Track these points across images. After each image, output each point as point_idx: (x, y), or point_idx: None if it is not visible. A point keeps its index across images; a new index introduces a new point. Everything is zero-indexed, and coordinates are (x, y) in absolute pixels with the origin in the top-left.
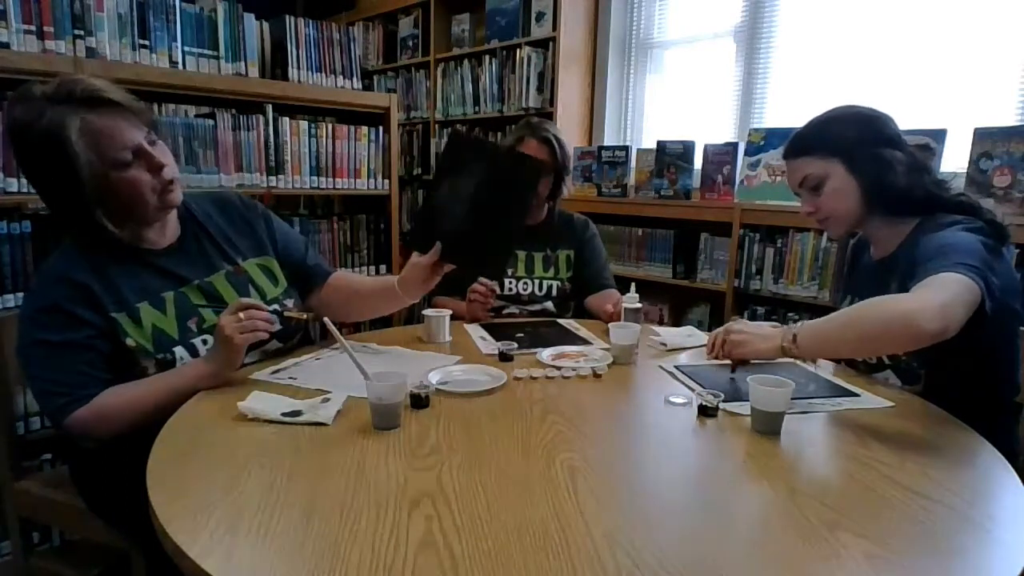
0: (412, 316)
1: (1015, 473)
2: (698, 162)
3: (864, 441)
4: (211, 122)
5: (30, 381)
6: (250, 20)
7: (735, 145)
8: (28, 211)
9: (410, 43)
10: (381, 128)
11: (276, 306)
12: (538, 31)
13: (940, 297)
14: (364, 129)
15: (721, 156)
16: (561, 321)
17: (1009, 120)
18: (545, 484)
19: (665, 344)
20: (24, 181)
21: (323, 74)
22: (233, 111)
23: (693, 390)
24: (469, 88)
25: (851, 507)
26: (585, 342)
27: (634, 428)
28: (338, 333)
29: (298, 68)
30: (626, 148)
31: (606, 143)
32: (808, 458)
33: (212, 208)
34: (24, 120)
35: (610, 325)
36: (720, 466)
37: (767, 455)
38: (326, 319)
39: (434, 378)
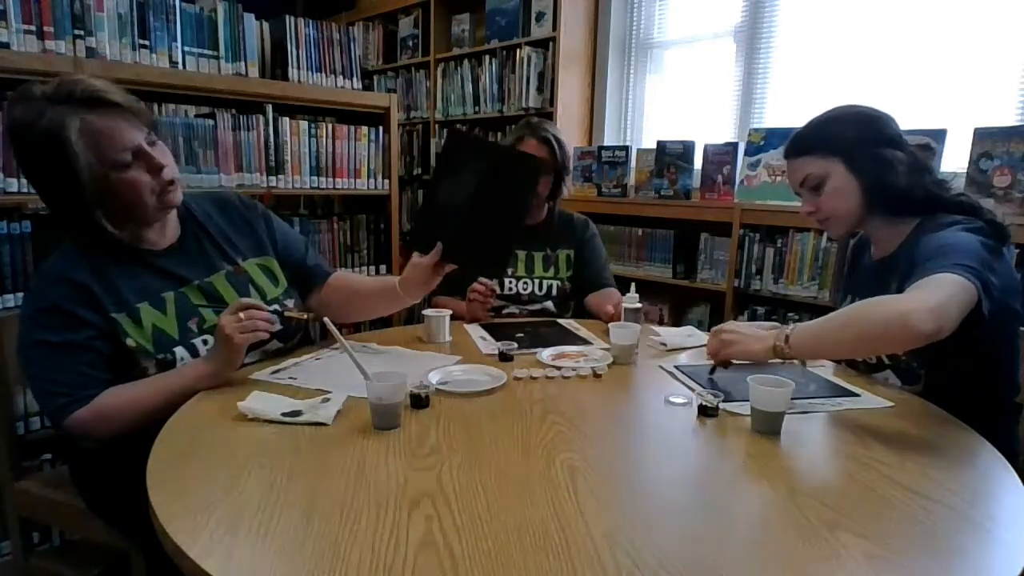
0: (412, 316)
1: (1015, 473)
2: (698, 162)
3: (864, 441)
4: (211, 122)
5: (30, 381)
6: (250, 20)
7: (735, 145)
8: (28, 211)
9: (410, 43)
10: (381, 128)
11: (276, 306)
12: (538, 31)
13: (935, 297)
14: (364, 129)
15: (721, 156)
16: (561, 321)
17: (1009, 120)
18: (545, 484)
19: (665, 344)
20: (24, 181)
21: (323, 74)
22: (233, 111)
23: (693, 390)
24: (469, 88)
25: (851, 507)
26: (585, 342)
27: (634, 428)
28: (338, 333)
29: (298, 68)
30: (626, 148)
31: (606, 143)
32: (808, 458)
33: (212, 208)
34: (24, 120)
35: (610, 325)
36: (720, 466)
37: (767, 455)
38: (326, 319)
39: (434, 378)
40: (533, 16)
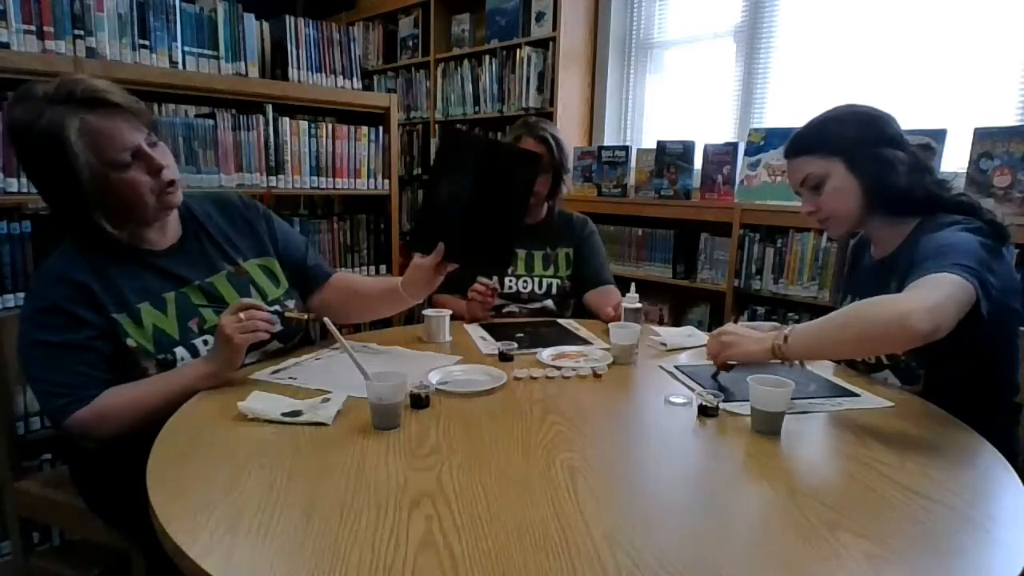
0: (412, 316)
1: (1015, 473)
2: (698, 162)
3: (864, 441)
4: (211, 122)
5: (30, 381)
6: (250, 20)
7: (735, 145)
8: (28, 211)
9: (410, 43)
10: (381, 128)
11: (277, 307)
12: (538, 31)
13: (932, 297)
14: (364, 129)
15: (721, 156)
16: (561, 321)
17: (1009, 120)
18: (545, 484)
19: (665, 344)
20: (24, 181)
21: (323, 74)
22: (233, 111)
23: (693, 390)
24: (469, 88)
25: (851, 507)
26: (585, 342)
27: (634, 428)
28: (338, 333)
29: (298, 68)
30: (626, 148)
31: (606, 143)
32: (808, 458)
33: (213, 208)
34: (24, 120)
35: (610, 325)
36: (720, 466)
37: (767, 455)
38: (326, 319)
39: (434, 378)
40: (533, 16)
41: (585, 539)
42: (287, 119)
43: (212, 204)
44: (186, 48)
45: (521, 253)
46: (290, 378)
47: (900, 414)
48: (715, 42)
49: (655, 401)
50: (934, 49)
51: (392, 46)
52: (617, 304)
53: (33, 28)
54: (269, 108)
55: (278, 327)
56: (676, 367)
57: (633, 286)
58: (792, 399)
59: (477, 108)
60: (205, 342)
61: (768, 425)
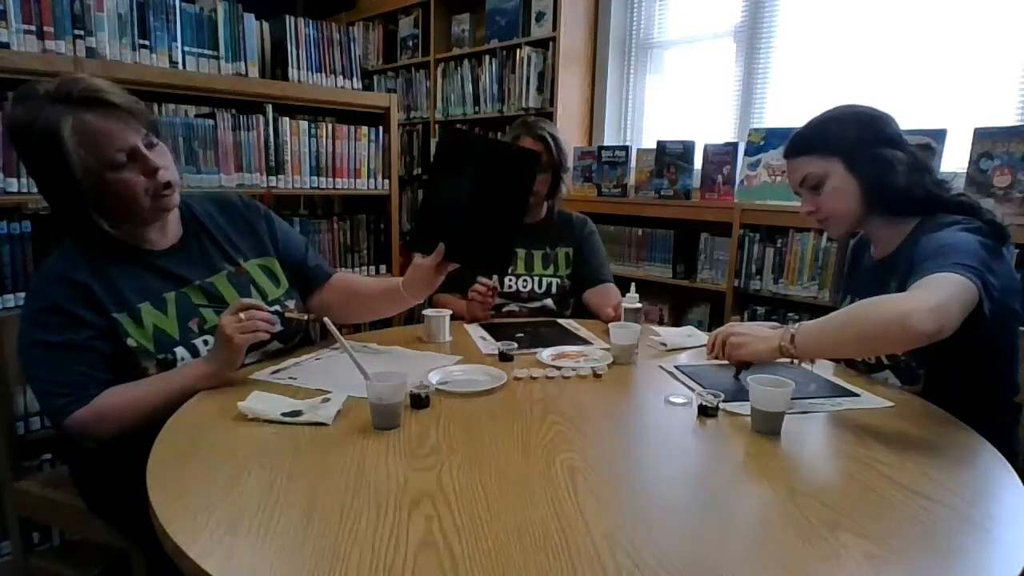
0: (412, 316)
1: (1015, 473)
2: (698, 162)
3: (864, 441)
4: (211, 122)
5: (30, 381)
6: (250, 20)
7: (735, 145)
8: (28, 211)
9: (410, 43)
10: (381, 128)
11: (277, 307)
12: (538, 31)
13: (936, 297)
14: (364, 129)
15: (721, 156)
16: (561, 321)
17: (1009, 120)
18: (545, 484)
19: (665, 344)
20: (24, 181)
21: (323, 74)
22: (233, 111)
23: (693, 390)
24: (469, 88)
25: (851, 507)
26: (585, 342)
27: (634, 428)
28: (338, 333)
29: (298, 68)
30: (626, 148)
31: (606, 143)
32: (808, 458)
33: (213, 208)
34: (23, 119)
35: (610, 325)
36: (720, 466)
37: (767, 455)
38: (326, 319)
39: (434, 378)
40: (533, 16)
41: (585, 539)
42: (287, 119)
43: (213, 204)
44: (186, 48)
45: (521, 252)
46: (290, 378)
47: (900, 414)
48: (715, 42)
49: (655, 401)
50: (934, 49)
51: (392, 46)
52: (617, 304)
53: (33, 28)
54: (269, 108)
55: (278, 327)
56: (676, 367)
57: (633, 286)
58: (792, 399)
59: (477, 108)
60: (205, 342)
61: (768, 425)
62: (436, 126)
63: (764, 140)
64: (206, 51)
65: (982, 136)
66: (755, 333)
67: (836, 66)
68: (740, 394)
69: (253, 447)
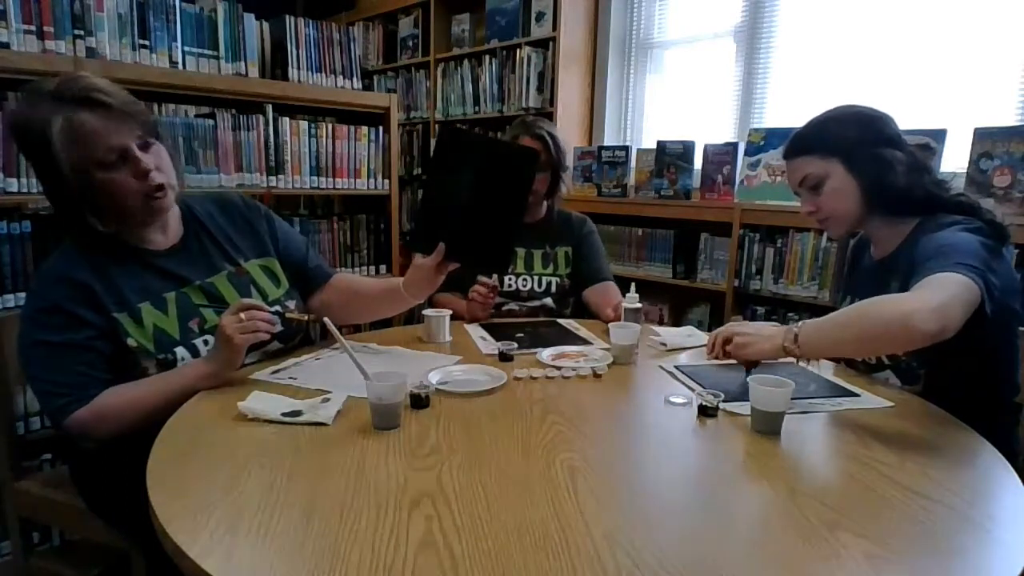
0: (412, 316)
1: (1015, 473)
2: (698, 162)
3: (864, 441)
4: (211, 122)
5: (31, 381)
6: (250, 20)
7: (735, 145)
8: (28, 211)
9: (410, 43)
10: (381, 128)
11: (278, 307)
12: (538, 31)
13: (938, 297)
14: (364, 129)
15: (721, 156)
16: (561, 321)
17: (1009, 120)
18: (545, 484)
19: (665, 344)
20: (24, 181)
21: (323, 74)
22: (233, 111)
23: (693, 390)
24: (469, 88)
25: (851, 507)
26: (585, 342)
27: (634, 428)
28: (338, 333)
29: (298, 68)
30: (626, 148)
31: (606, 143)
32: (808, 458)
33: (214, 208)
34: (21, 115)
35: (610, 325)
36: (720, 466)
37: (767, 455)
38: (326, 319)
39: (434, 378)
40: (533, 16)
41: (585, 539)
42: (287, 119)
43: (213, 204)
44: (186, 48)
45: (520, 252)
46: (290, 378)
47: (900, 414)
48: (715, 42)
49: (655, 401)
50: (934, 49)
51: (392, 46)
52: (617, 305)
53: (33, 28)
54: (269, 108)
55: (278, 327)
56: (676, 367)
57: (633, 286)
58: (792, 399)
59: (477, 108)
60: (205, 342)
61: (768, 425)
62: (436, 126)
63: (764, 140)
64: (206, 51)
65: (982, 136)
66: (760, 332)
67: (836, 66)
68: (740, 394)
69: (253, 447)
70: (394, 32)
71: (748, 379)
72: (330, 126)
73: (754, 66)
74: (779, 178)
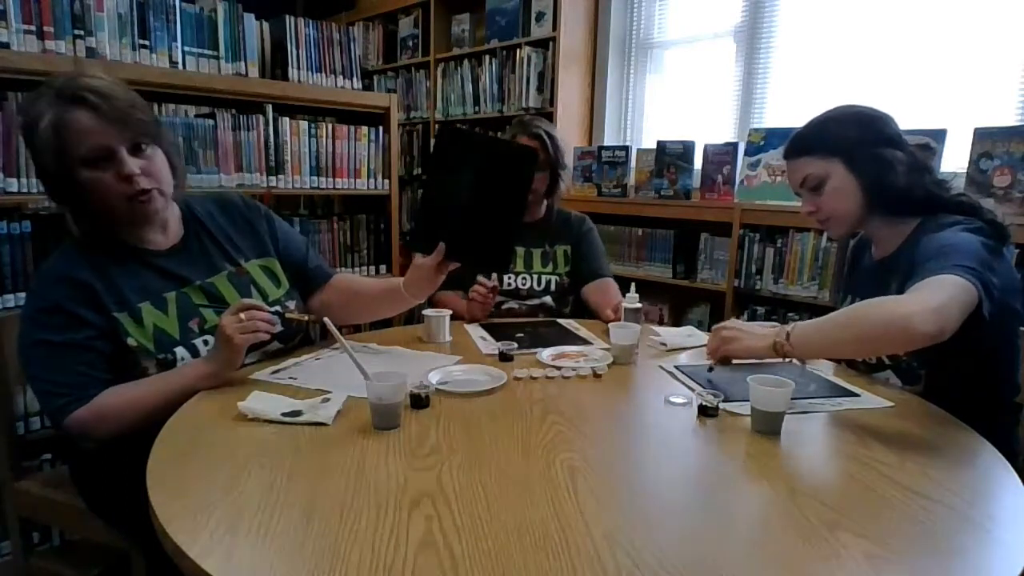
0: (412, 316)
1: (1015, 473)
2: (698, 162)
3: (864, 441)
4: (211, 122)
5: (31, 381)
6: (250, 20)
7: (735, 145)
8: (28, 211)
9: (410, 43)
10: (381, 128)
11: (278, 307)
12: (538, 31)
13: (936, 299)
14: (364, 129)
15: (721, 156)
16: (561, 321)
17: (1009, 120)
18: (545, 484)
19: (665, 344)
20: (24, 181)
21: (323, 74)
22: (233, 111)
23: (693, 390)
24: (469, 88)
25: (851, 507)
26: (585, 342)
27: (634, 428)
28: (338, 333)
29: (298, 68)
30: (626, 148)
31: (606, 143)
32: (808, 458)
33: (214, 208)
34: (22, 109)
35: (610, 325)
36: (720, 466)
37: (767, 455)
38: (326, 319)
39: (434, 378)
40: (533, 16)
41: (585, 539)
42: (287, 119)
43: (214, 204)
44: (186, 48)
45: (520, 251)
46: (290, 378)
47: (900, 414)
48: (715, 42)
49: (655, 401)
50: (934, 49)
51: (392, 46)
52: (617, 305)
53: (33, 28)
54: (269, 108)
55: (278, 328)
56: (676, 367)
57: (633, 286)
58: (792, 399)
59: (477, 108)
60: (205, 342)
61: (768, 425)
62: (436, 126)
63: (764, 140)
64: (206, 51)
65: (982, 136)
66: (752, 331)
67: (836, 66)
68: (740, 394)
69: (253, 447)
70: (394, 32)
71: (713, 375)
72: (330, 126)
73: (754, 66)
74: (779, 178)
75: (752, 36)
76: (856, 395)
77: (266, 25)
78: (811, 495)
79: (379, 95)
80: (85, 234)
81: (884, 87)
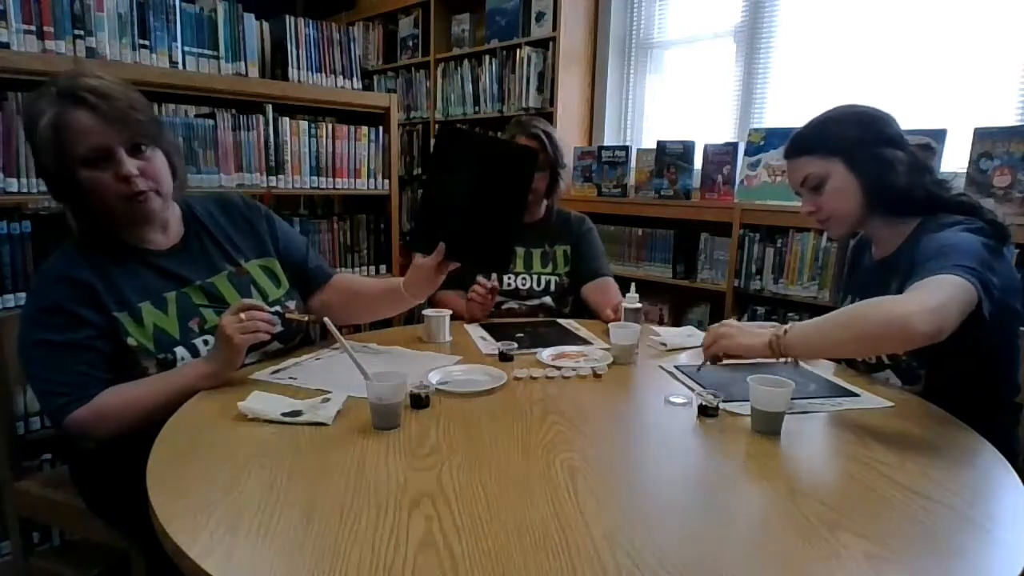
0: (412, 316)
1: (1015, 473)
2: (698, 162)
3: (864, 441)
4: (211, 122)
5: (31, 381)
6: (250, 20)
7: (735, 145)
8: (28, 211)
9: (410, 43)
10: (381, 128)
11: (278, 307)
12: (538, 31)
13: (935, 299)
14: (364, 129)
15: (721, 156)
16: (561, 321)
17: (1009, 120)
18: (545, 484)
19: (665, 344)
20: (24, 181)
21: (323, 74)
22: (233, 111)
23: (693, 390)
24: (469, 88)
25: (851, 507)
26: (585, 342)
27: (634, 428)
28: (338, 333)
29: (298, 68)
30: (626, 148)
31: (606, 143)
32: (808, 458)
33: (214, 208)
34: (23, 107)
35: (610, 325)
36: (720, 466)
37: (767, 455)
38: (326, 319)
39: (434, 378)
40: (533, 16)
41: (585, 539)
42: (287, 119)
43: (214, 204)
44: (186, 48)
45: (520, 251)
46: (290, 378)
47: (900, 414)
48: (715, 42)
49: (655, 401)
50: (934, 49)
51: (392, 46)
52: (617, 306)
53: (33, 28)
54: (269, 108)
55: (278, 328)
56: (676, 367)
57: (633, 286)
58: (792, 399)
59: (477, 108)
60: (205, 342)
61: (768, 425)
62: (436, 126)
63: (764, 140)
64: (206, 51)
65: (982, 136)
66: (747, 329)
67: (836, 66)
68: (740, 394)
69: (253, 447)
70: (394, 32)
71: (701, 369)
72: (330, 126)
73: (754, 66)
74: (779, 178)
75: (752, 36)
76: (856, 395)
77: (266, 25)
78: (811, 495)
79: (379, 95)
80: (85, 233)
81: (884, 87)
